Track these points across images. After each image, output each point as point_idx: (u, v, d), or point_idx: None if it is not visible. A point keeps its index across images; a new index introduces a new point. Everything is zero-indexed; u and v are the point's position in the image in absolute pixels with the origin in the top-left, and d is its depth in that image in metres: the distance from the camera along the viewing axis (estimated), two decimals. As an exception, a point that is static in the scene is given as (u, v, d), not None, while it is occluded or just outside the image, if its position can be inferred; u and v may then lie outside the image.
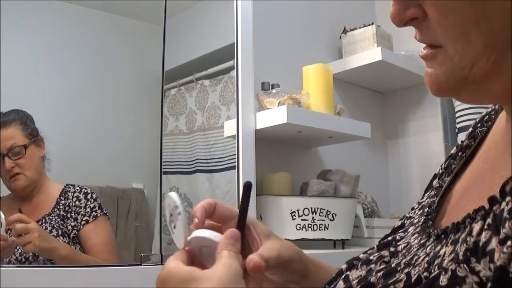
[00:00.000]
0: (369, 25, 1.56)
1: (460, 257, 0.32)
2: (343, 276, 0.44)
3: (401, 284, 0.36)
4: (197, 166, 1.26)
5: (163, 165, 1.09)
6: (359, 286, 0.40)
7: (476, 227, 0.32)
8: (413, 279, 0.35)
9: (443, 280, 0.32)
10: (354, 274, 0.43)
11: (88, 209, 1.02)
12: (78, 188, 1.03)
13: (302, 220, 1.18)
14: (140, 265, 0.94)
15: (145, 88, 1.19)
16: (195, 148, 1.26)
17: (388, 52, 1.53)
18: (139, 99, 1.18)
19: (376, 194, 1.61)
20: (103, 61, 1.13)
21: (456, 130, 1.58)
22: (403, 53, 1.63)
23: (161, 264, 0.96)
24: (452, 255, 0.33)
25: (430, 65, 0.38)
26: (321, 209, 1.20)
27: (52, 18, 1.07)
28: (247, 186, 0.48)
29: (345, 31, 1.62)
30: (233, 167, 1.16)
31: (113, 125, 1.13)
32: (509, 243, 0.28)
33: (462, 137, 1.79)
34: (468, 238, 0.33)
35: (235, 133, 1.16)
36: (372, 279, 0.39)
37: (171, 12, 1.14)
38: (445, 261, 0.33)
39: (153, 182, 1.12)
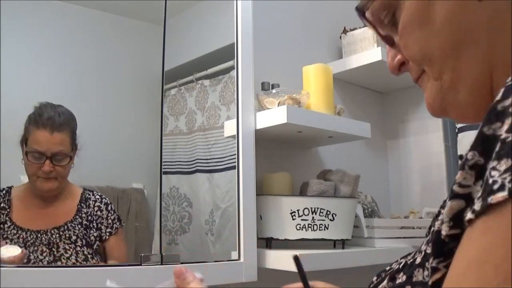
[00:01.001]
0: (369, 25, 1.56)
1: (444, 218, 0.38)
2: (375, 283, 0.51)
3: (409, 257, 0.42)
4: (197, 166, 1.26)
5: (163, 165, 1.09)
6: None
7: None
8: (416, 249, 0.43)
9: (431, 238, 0.38)
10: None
11: (109, 221, 1.02)
12: (98, 197, 1.03)
13: (302, 220, 1.18)
14: (140, 265, 0.94)
15: (145, 88, 1.19)
16: (195, 148, 1.26)
17: (388, 52, 1.53)
18: (139, 99, 1.18)
19: (376, 194, 1.61)
20: (103, 61, 1.13)
21: (456, 130, 1.58)
22: (403, 53, 1.62)
23: (161, 264, 0.96)
24: (440, 221, 0.39)
25: (424, 90, 0.48)
26: (321, 209, 1.20)
27: (52, 18, 1.07)
28: (296, 259, 0.58)
29: (345, 31, 1.62)
30: (233, 167, 1.16)
31: (113, 125, 1.13)
32: (442, 210, 0.34)
33: (461, 137, 1.77)
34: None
35: (235, 133, 1.16)
36: (394, 265, 0.47)
37: (171, 12, 1.14)
38: (436, 226, 0.39)
39: (153, 182, 1.12)
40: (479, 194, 0.29)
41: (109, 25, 1.15)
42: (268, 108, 1.21)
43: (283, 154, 1.44)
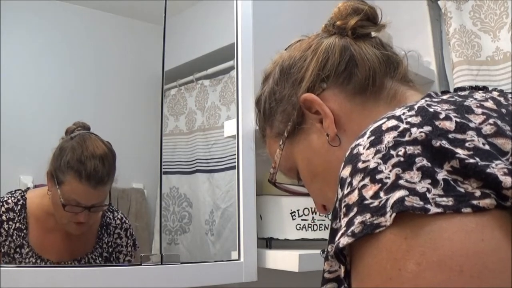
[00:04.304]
0: (369, 25, 1.56)
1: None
2: None
3: None
4: (197, 166, 1.26)
5: (163, 165, 1.09)
6: None
7: None
8: None
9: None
10: None
11: (129, 248, 0.99)
12: (119, 221, 1.00)
13: (302, 220, 1.18)
14: (140, 265, 0.94)
15: (145, 88, 1.19)
16: (195, 148, 1.26)
17: (388, 52, 1.53)
18: (139, 99, 1.18)
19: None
20: (103, 61, 1.13)
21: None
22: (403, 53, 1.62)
23: (161, 264, 0.96)
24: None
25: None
26: (321, 209, 1.20)
27: (52, 18, 1.07)
28: None
29: (345, 31, 1.61)
30: (233, 167, 1.16)
31: (113, 125, 1.13)
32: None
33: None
34: None
35: (235, 133, 1.16)
36: None
37: (171, 12, 1.14)
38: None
39: (153, 182, 1.12)
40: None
41: (109, 25, 1.15)
42: (268, 108, 1.21)
43: (283, 154, 1.43)
